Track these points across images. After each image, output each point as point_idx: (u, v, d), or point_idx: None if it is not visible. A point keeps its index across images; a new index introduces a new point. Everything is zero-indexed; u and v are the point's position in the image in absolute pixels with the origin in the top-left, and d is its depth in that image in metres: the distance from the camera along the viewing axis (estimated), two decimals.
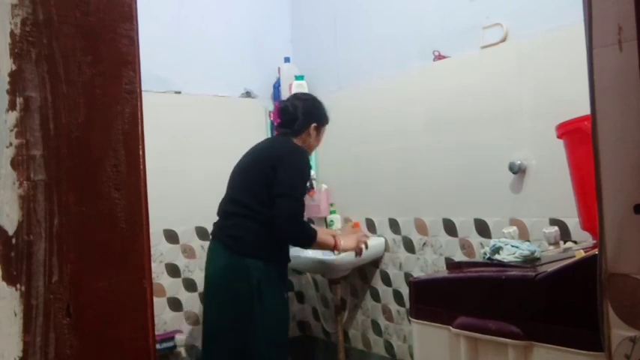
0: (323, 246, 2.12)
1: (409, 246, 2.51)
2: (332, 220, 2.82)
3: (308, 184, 2.15)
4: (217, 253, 2.06)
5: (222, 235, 2.06)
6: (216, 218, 2.18)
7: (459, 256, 2.26)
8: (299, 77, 2.99)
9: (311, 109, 2.21)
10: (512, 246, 1.56)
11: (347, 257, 2.40)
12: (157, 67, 2.57)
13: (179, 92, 2.74)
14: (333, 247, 2.14)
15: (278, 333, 2.04)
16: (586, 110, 0.85)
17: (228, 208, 2.09)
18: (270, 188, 1.96)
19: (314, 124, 2.19)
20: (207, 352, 2.07)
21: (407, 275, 2.50)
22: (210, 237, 2.18)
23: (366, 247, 2.28)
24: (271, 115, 2.21)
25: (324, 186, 2.90)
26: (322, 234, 2.10)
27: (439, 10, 2.34)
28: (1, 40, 0.49)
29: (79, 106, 0.53)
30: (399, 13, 2.53)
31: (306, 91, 2.96)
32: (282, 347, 2.06)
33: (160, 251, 2.63)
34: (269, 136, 3.03)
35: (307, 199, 2.32)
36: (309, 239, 2.02)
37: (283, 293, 2.09)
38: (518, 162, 2.01)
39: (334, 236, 2.16)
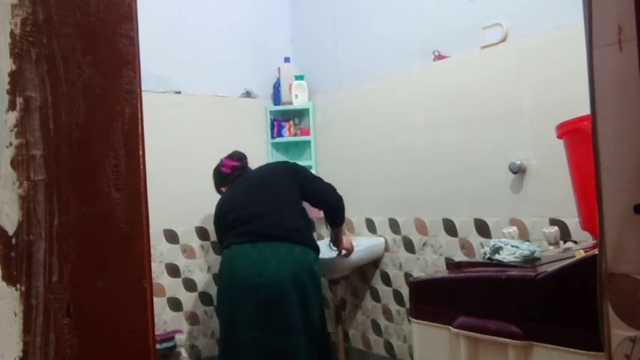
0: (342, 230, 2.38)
1: (409, 246, 2.51)
2: None
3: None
4: (271, 253, 2.03)
5: (274, 231, 2.08)
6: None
7: (459, 256, 2.26)
8: (299, 77, 2.99)
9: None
10: (512, 246, 1.56)
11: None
12: (157, 67, 2.57)
13: (179, 92, 2.74)
14: (337, 234, 2.37)
15: (326, 320, 2.23)
16: (586, 110, 0.85)
17: (260, 209, 2.16)
18: (298, 193, 2.27)
19: None
20: (265, 351, 1.99)
21: (407, 275, 2.50)
22: (240, 244, 2.09)
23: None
24: (225, 166, 2.45)
25: None
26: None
27: (439, 10, 2.34)
28: (1, 40, 0.49)
29: (79, 106, 0.53)
30: (399, 13, 2.53)
31: (306, 91, 2.97)
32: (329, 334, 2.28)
33: (160, 251, 2.63)
34: (269, 135, 3.05)
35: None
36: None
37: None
38: (518, 162, 2.01)
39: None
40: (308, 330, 2.02)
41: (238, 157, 2.48)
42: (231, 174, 2.39)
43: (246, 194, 2.25)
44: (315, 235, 3.00)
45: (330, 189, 2.30)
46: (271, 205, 2.14)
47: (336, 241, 2.39)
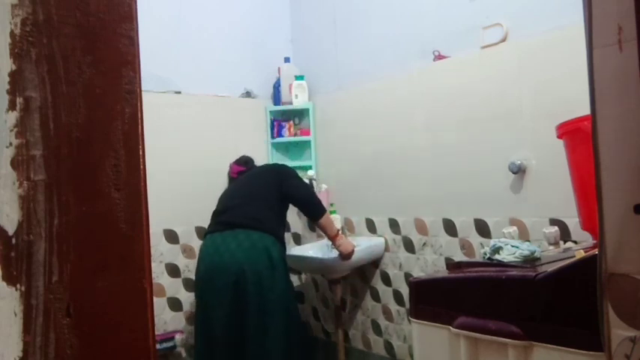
0: (329, 226, 2.40)
1: (409, 246, 2.51)
2: None
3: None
4: (234, 238, 2.22)
5: (240, 220, 2.26)
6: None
7: (459, 256, 2.26)
8: (299, 77, 2.99)
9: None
10: (512, 246, 1.56)
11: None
12: (157, 67, 2.57)
13: (179, 92, 2.74)
14: (335, 236, 2.40)
15: (293, 309, 2.30)
16: (586, 110, 0.85)
17: (238, 202, 2.35)
18: (278, 194, 2.39)
19: None
20: (224, 329, 2.15)
21: (407, 275, 2.50)
22: (212, 231, 2.30)
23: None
24: (233, 170, 2.71)
25: (324, 186, 2.90)
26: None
27: (439, 10, 2.34)
28: (1, 40, 0.49)
29: (79, 106, 0.53)
30: (399, 13, 2.53)
31: (306, 91, 2.98)
32: (297, 322, 2.33)
33: (160, 251, 2.63)
34: (269, 135, 3.05)
35: None
36: (323, 210, 2.42)
37: (289, 275, 2.35)
38: (518, 162, 2.01)
39: (339, 231, 2.45)
40: (265, 310, 2.15)
41: (244, 161, 2.72)
42: (237, 178, 2.62)
43: (232, 192, 2.48)
44: (314, 236, 3.00)
45: (302, 186, 2.46)
46: (245, 199, 2.35)
47: (328, 238, 2.43)
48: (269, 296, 2.15)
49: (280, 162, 2.93)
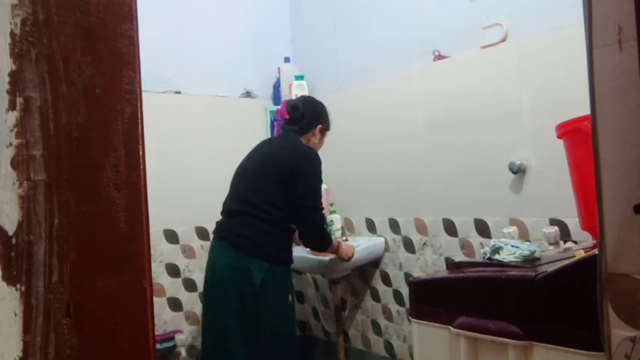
0: (331, 249, 2.28)
1: (409, 246, 2.51)
2: (332, 220, 2.82)
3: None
4: (222, 253, 2.06)
5: (227, 233, 2.07)
6: (217, 217, 2.18)
7: (459, 256, 2.26)
8: (299, 77, 2.99)
9: (319, 110, 2.32)
10: (512, 246, 1.56)
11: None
12: (156, 67, 2.57)
13: (179, 92, 2.74)
14: (336, 251, 2.30)
15: (284, 334, 2.06)
16: (586, 110, 0.85)
17: (236, 207, 2.11)
18: (285, 192, 2.05)
19: (320, 126, 2.28)
20: (209, 353, 2.06)
21: (407, 275, 2.50)
22: (213, 235, 2.18)
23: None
24: (278, 112, 2.22)
25: (324, 186, 2.90)
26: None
27: (439, 10, 2.34)
28: (1, 40, 0.49)
29: (79, 106, 0.53)
30: (399, 14, 2.53)
31: (306, 91, 2.98)
32: (290, 348, 2.09)
33: (160, 251, 2.63)
34: (269, 135, 3.03)
35: None
36: (329, 246, 2.23)
37: (287, 294, 2.11)
38: (518, 162, 2.01)
39: (338, 241, 2.34)
40: (246, 334, 1.99)
41: (291, 107, 2.25)
42: (280, 126, 2.31)
43: (243, 181, 2.16)
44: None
45: (310, 214, 2.07)
46: (247, 206, 2.05)
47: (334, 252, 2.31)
48: (254, 321, 2.00)
49: None
